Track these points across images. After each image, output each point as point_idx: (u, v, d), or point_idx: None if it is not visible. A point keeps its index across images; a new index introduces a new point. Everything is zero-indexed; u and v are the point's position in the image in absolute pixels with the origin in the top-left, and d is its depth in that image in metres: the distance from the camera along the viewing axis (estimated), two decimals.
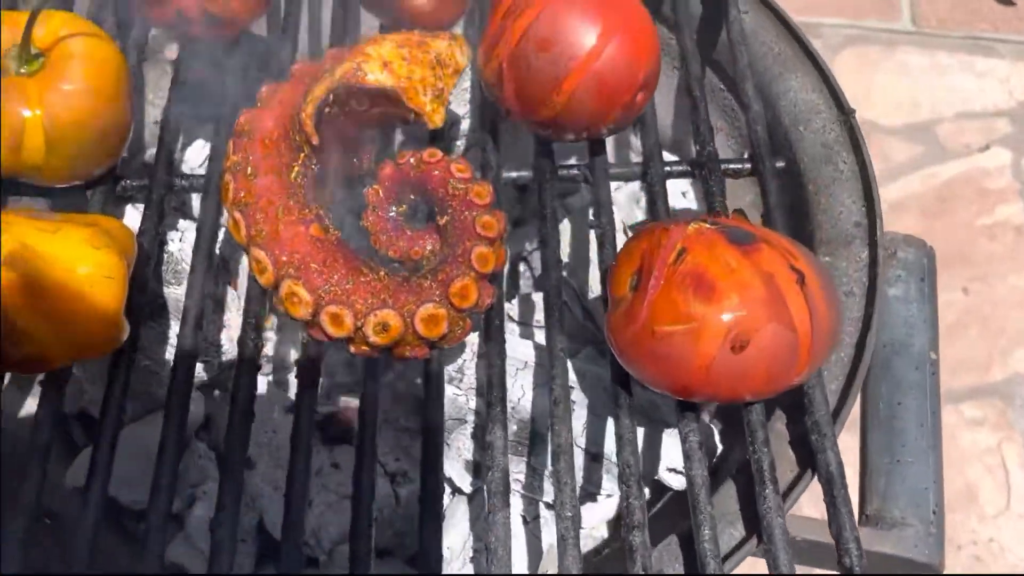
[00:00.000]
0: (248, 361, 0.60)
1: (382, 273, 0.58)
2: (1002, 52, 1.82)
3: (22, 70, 0.61)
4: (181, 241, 0.73)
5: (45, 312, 0.54)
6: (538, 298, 0.79)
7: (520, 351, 0.70)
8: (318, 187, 0.62)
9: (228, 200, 0.61)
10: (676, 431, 0.70)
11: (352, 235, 0.63)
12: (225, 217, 0.63)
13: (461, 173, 0.61)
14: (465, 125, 0.85)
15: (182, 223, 0.75)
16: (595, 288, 0.78)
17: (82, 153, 0.63)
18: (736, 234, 0.52)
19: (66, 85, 0.61)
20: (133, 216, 0.74)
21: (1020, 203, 1.62)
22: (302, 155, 0.61)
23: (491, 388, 0.59)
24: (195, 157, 0.81)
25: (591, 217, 0.67)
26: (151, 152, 0.84)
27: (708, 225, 0.53)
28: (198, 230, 0.64)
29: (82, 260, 0.55)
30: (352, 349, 0.58)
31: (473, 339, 0.70)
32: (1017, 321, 1.45)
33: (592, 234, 0.82)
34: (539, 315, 0.78)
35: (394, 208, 0.63)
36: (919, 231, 0.72)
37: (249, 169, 0.61)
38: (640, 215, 0.86)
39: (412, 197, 0.63)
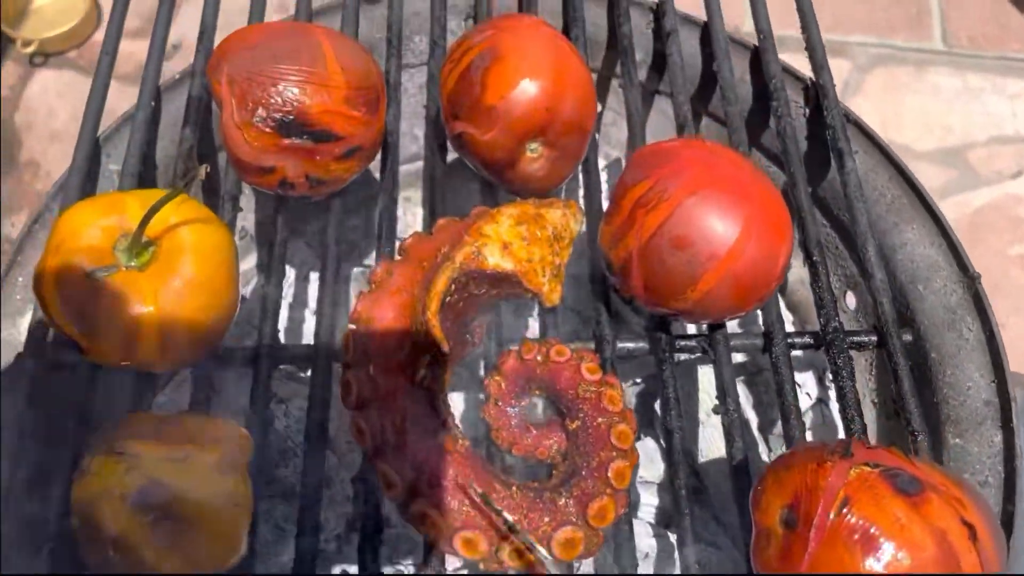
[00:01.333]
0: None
1: (514, 489, 0.56)
2: None
3: (132, 263, 0.58)
4: (286, 416, 0.70)
5: (173, 546, 0.52)
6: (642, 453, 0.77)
7: (643, 542, 0.68)
8: (440, 381, 0.60)
9: (350, 403, 0.58)
10: None
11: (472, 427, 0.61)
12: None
13: (592, 375, 0.59)
14: None
15: (284, 389, 0.73)
16: (705, 449, 0.75)
17: (195, 344, 0.60)
18: (901, 481, 0.50)
19: (179, 281, 0.58)
20: (232, 380, 0.72)
21: None
22: (427, 358, 0.58)
23: None
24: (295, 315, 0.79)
25: (705, 392, 0.65)
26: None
27: (870, 469, 0.50)
28: (308, 414, 0.62)
29: (212, 491, 0.53)
30: (481, 567, 0.56)
31: None
32: None
33: (698, 380, 0.80)
34: (642, 472, 0.76)
35: (516, 402, 0.61)
36: None
37: (371, 368, 0.58)
38: (740, 356, 0.83)
39: (536, 392, 0.61)
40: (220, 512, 0.53)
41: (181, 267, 0.58)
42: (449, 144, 0.71)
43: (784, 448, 0.74)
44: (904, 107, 1.77)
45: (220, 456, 0.54)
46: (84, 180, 0.73)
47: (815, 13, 0.81)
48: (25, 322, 0.71)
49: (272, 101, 0.62)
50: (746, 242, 0.57)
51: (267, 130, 0.62)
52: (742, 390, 0.79)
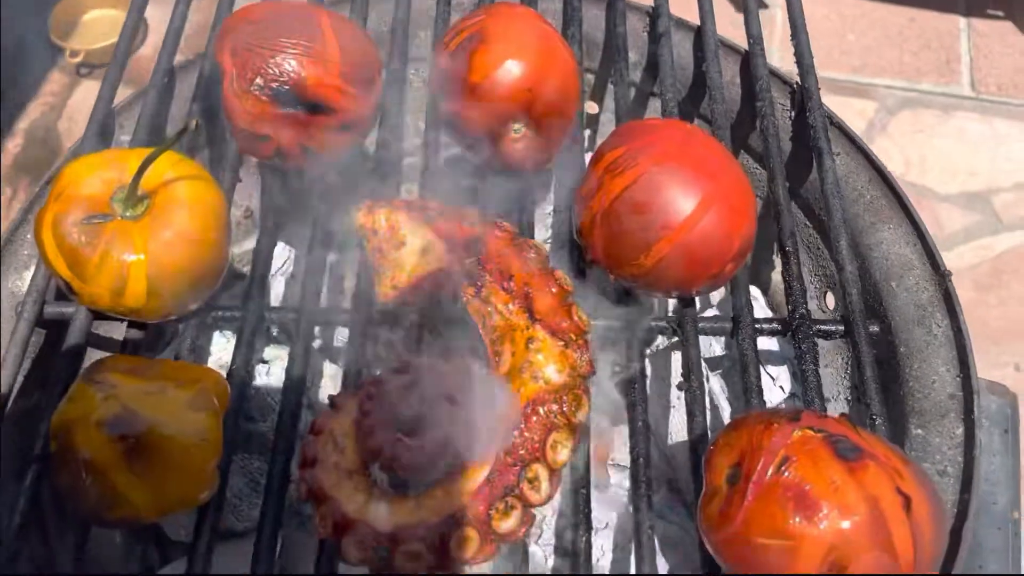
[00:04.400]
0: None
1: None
2: None
3: (127, 213, 0.62)
4: (268, 375, 0.73)
5: (143, 475, 0.54)
6: (613, 433, 0.79)
7: (601, 511, 0.70)
8: None
9: None
10: None
11: None
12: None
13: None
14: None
15: (268, 351, 0.76)
16: (673, 433, 0.77)
17: (181, 295, 0.64)
18: (842, 447, 0.51)
19: (170, 232, 0.61)
20: (220, 342, 0.75)
21: None
22: None
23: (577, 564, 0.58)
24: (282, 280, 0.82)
25: (679, 376, 0.67)
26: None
27: (813, 433, 0.52)
28: (287, 372, 0.65)
29: (183, 425, 0.56)
30: None
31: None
32: None
33: (671, 368, 0.82)
34: (614, 453, 0.78)
35: None
36: (971, 303, 0.68)
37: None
38: (719, 349, 0.85)
39: None
40: (190, 446, 0.56)
41: (173, 220, 0.62)
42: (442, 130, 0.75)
43: None
44: (929, 150, 1.78)
45: (194, 394, 0.57)
46: (96, 146, 0.77)
47: (808, 32, 0.83)
48: (28, 277, 0.74)
49: (270, 72, 0.65)
50: (701, 216, 0.60)
51: (264, 99, 0.66)
52: (717, 381, 0.81)
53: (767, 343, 0.81)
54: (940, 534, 0.52)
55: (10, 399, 0.66)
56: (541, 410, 0.58)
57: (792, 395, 0.79)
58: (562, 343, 0.59)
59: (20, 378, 0.71)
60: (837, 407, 0.80)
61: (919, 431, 0.67)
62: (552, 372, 0.59)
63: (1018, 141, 1.79)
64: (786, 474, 0.50)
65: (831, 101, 0.82)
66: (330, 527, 0.55)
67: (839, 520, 0.49)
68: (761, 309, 0.86)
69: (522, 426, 0.57)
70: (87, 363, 0.67)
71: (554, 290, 0.62)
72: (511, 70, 0.66)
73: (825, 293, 0.84)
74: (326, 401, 0.77)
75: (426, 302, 0.64)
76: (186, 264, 0.62)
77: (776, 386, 0.79)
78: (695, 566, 0.71)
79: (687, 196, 0.60)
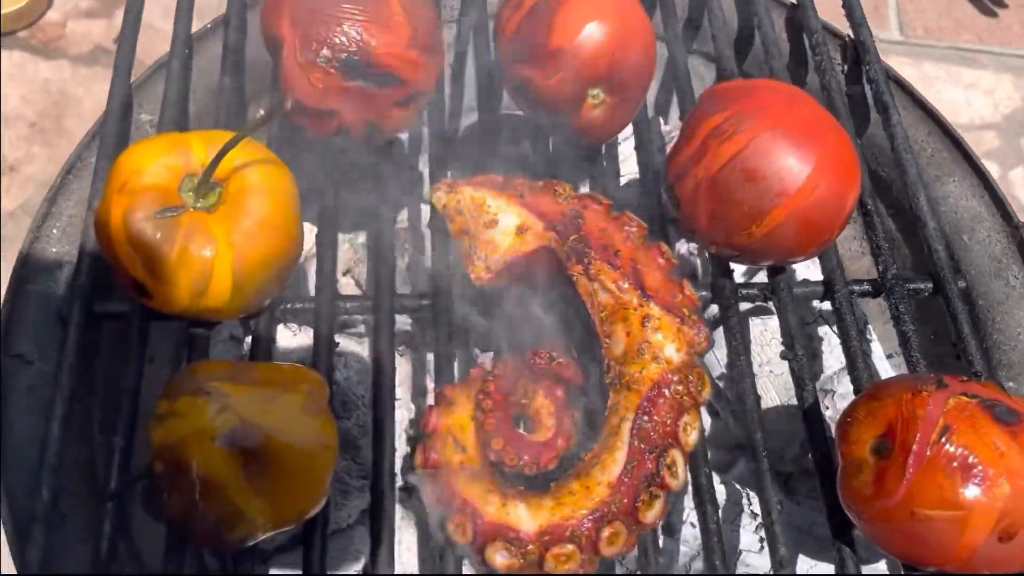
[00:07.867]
0: None
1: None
2: (986, 63, 1.82)
3: (198, 204, 0.56)
4: (346, 368, 0.68)
5: (262, 490, 0.50)
6: None
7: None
8: None
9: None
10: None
11: None
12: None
13: None
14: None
15: (341, 343, 0.71)
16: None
17: (263, 290, 0.58)
18: (1000, 411, 0.50)
19: (250, 222, 0.56)
20: (285, 335, 0.70)
21: None
22: None
23: (711, 550, 0.56)
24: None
25: (781, 345, 0.65)
26: None
27: (968, 399, 0.51)
28: (375, 365, 0.61)
29: (302, 432, 0.51)
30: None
31: None
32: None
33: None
34: None
35: None
36: None
37: None
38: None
39: None
40: (309, 454, 0.51)
41: (251, 208, 0.56)
42: (505, 92, 0.70)
43: (833, 399, 0.75)
44: None
45: (305, 398, 0.53)
46: (120, 127, 0.70)
47: None
48: (63, 275, 0.68)
49: (337, 41, 0.60)
50: (818, 181, 0.58)
51: (331, 71, 0.60)
52: None
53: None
54: None
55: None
56: (667, 392, 0.55)
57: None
58: (678, 320, 0.57)
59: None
60: (876, 361, 0.80)
61: (1010, 384, 0.68)
62: (672, 351, 0.56)
63: (945, 83, 1.83)
64: (947, 444, 0.49)
65: None
66: (471, 534, 0.51)
67: (1009, 486, 0.48)
68: (805, 268, 0.85)
69: (651, 411, 0.55)
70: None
71: (661, 263, 0.59)
72: (595, 33, 0.62)
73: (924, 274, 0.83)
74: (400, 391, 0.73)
75: (524, 283, 0.61)
76: (270, 255, 0.57)
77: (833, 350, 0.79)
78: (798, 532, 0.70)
79: (802, 161, 0.57)
